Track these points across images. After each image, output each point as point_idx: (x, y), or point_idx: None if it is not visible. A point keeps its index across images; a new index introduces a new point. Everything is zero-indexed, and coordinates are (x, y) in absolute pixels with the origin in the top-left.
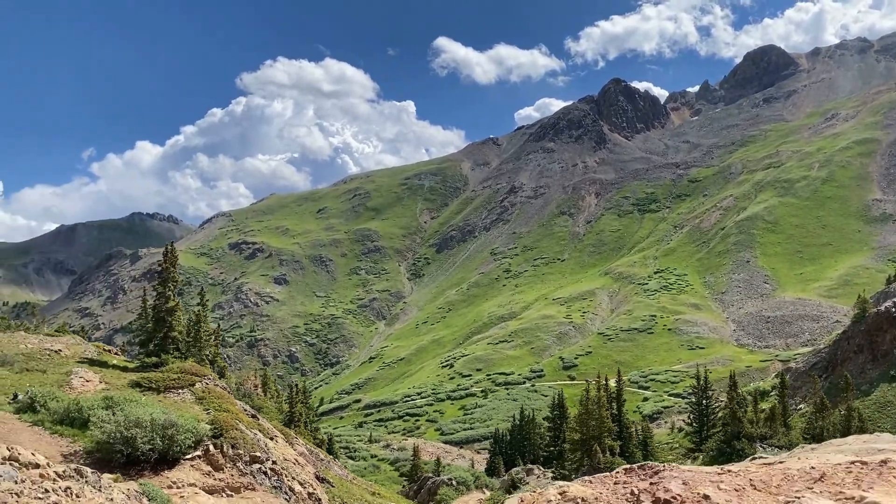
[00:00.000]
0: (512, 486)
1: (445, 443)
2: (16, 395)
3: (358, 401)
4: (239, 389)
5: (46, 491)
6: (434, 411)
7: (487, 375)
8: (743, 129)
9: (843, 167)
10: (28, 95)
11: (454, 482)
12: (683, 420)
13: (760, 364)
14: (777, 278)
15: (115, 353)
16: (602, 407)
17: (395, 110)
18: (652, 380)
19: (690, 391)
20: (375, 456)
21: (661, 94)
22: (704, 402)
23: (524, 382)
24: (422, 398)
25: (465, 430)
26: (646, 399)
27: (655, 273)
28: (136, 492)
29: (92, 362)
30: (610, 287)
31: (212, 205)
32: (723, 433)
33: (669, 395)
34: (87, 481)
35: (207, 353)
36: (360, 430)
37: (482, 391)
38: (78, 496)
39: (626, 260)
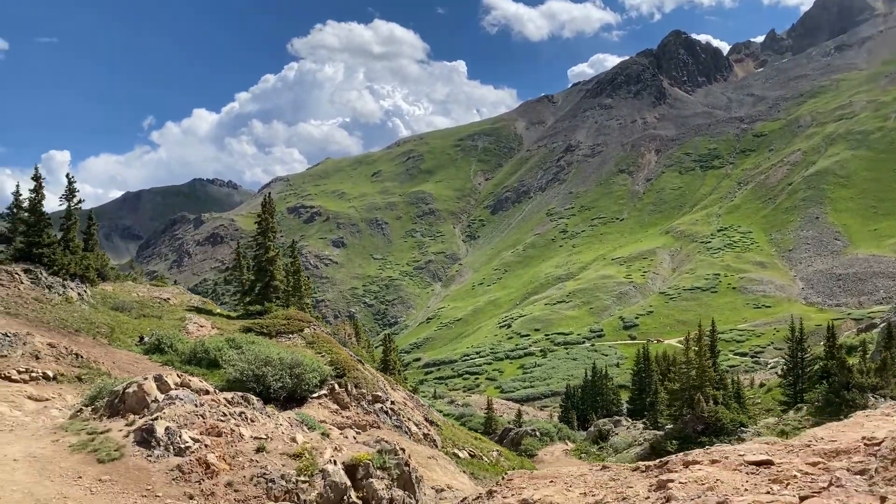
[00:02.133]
0: (599, 437)
1: (507, 400)
2: (142, 338)
3: (418, 359)
4: (335, 336)
5: (224, 415)
6: (493, 370)
7: (546, 335)
8: (812, 79)
9: None
10: (89, 68)
11: (537, 433)
12: (755, 377)
13: (831, 323)
14: (849, 235)
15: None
16: (703, 356)
17: (445, 71)
18: (717, 339)
19: (758, 350)
20: (441, 412)
21: (723, 46)
22: (800, 353)
23: (583, 342)
24: (480, 357)
25: (524, 388)
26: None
27: (719, 231)
28: (296, 420)
29: (199, 310)
30: (671, 246)
31: (267, 170)
32: (829, 384)
33: (735, 355)
34: (254, 408)
35: (307, 301)
36: (422, 388)
37: (541, 351)
38: (252, 420)
39: (688, 218)
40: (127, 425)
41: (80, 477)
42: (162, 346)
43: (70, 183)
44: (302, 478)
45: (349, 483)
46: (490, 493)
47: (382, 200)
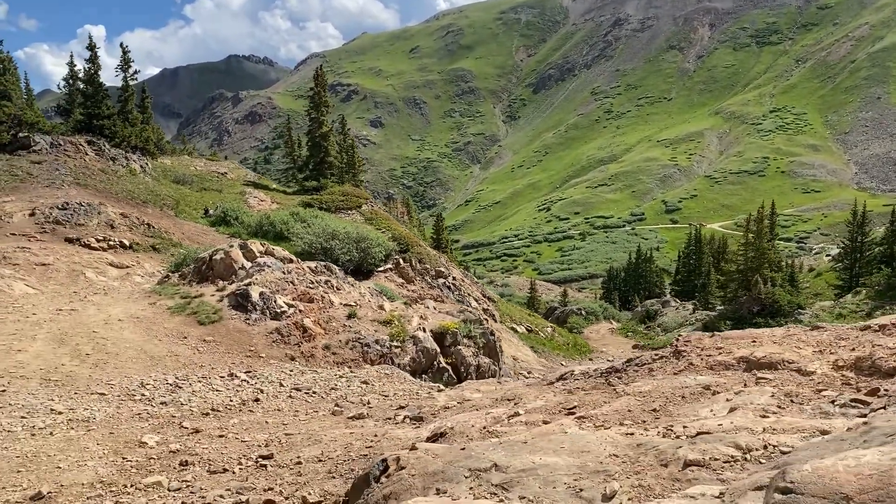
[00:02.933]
0: (647, 317)
1: (545, 281)
2: (206, 210)
3: (456, 241)
4: (390, 214)
5: (312, 283)
6: (531, 252)
7: (585, 219)
8: None
9: None
10: None
11: (583, 312)
12: (802, 262)
13: (883, 209)
14: None
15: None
16: (763, 237)
17: None
18: (776, 222)
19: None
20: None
21: None
22: (860, 237)
23: (624, 226)
24: (519, 240)
25: (562, 270)
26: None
27: (771, 112)
28: (375, 290)
29: (255, 185)
30: (720, 127)
31: (302, 46)
32: (893, 267)
33: (780, 240)
34: (337, 277)
35: (361, 178)
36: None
37: (580, 234)
38: (338, 289)
39: (740, 98)
40: (218, 290)
41: (186, 337)
42: (227, 219)
43: (125, 53)
44: (395, 343)
45: (438, 349)
46: (677, 354)
47: (420, 78)
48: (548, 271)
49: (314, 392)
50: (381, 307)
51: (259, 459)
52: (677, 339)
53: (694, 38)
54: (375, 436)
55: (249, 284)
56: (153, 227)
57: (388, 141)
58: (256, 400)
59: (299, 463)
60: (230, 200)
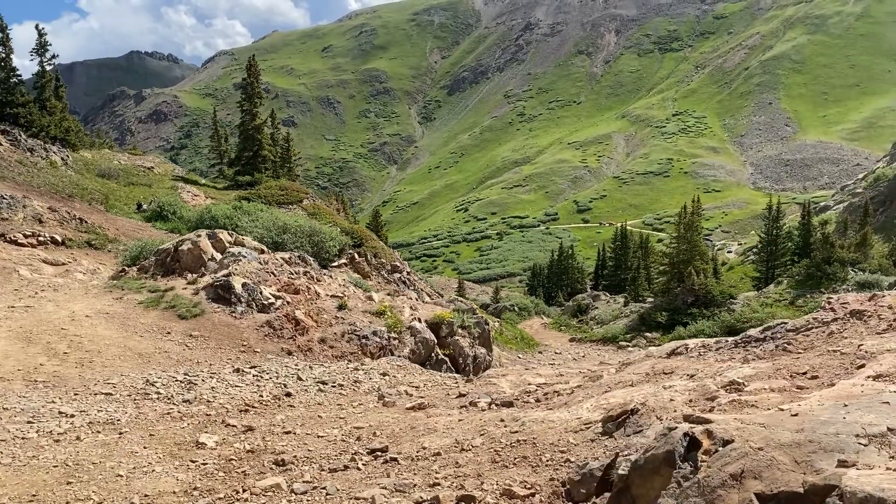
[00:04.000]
0: (578, 311)
1: (466, 281)
2: (140, 205)
3: None
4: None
5: (293, 273)
6: (450, 252)
7: (502, 219)
8: None
9: (879, 2)
10: None
11: (516, 307)
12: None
13: (807, 202)
14: (799, 121)
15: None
16: (695, 231)
17: None
18: (667, 222)
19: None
20: None
21: None
22: (775, 230)
23: (539, 225)
24: (438, 240)
25: (481, 269)
26: (660, 240)
27: (674, 115)
28: (349, 282)
29: (186, 180)
30: (626, 130)
31: (209, 44)
32: (811, 258)
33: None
34: (313, 267)
35: (297, 173)
36: None
37: (497, 234)
38: (318, 280)
39: (644, 102)
40: (189, 283)
41: (169, 332)
42: (164, 213)
43: (41, 36)
44: (393, 334)
45: (436, 340)
46: (857, 314)
47: (334, 78)
48: (467, 271)
49: (341, 385)
50: (370, 298)
51: (377, 454)
52: (829, 302)
53: (601, 43)
54: (502, 420)
55: (230, 275)
56: (86, 223)
57: (302, 141)
58: (288, 395)
59: (437, 454)
60: (163, 195)
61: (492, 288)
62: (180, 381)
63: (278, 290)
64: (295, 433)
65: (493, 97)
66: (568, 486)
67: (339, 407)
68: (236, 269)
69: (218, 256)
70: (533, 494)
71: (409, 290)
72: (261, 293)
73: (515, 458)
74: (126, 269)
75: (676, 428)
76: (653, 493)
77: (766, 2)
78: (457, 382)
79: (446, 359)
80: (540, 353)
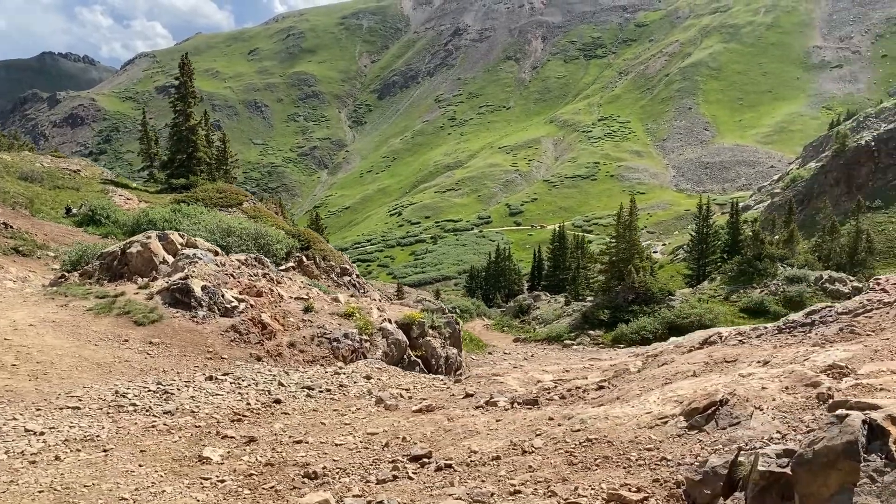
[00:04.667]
0: (520, 311)
1: (402, 285)
2: (69, 209)
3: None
4: None
5: (253, 275)
6: (385, 257)
7: (436, 223)
8: None
9: (787, 12)
10: None
11: (458, 310)
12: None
13: (735, 202)
14: (717, 125)
15: None
16: (633, 230)
17: None
18: (595, 224)
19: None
20: None
21: None
22: (706, 229)
23: (472, 229)
24: (372, 245)
25: (416, 273)
26: (590, 242)
27: (599, 120)
28: (308, 284)
29: (116, 183)
30: (555, 135)
31: (127, 45)
32: (742, 255)
33: (612, 238)
34: (270, 269)
35: (235, 175)
36: None
37: (431, 238)
38: (279, 282)
39: (571, 107)
40: (141, 288)
41: (126, 340)
42: (97, 217)
43: None
44: (364, 336)
45: (407, 341)
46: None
47: (261, 81)
48: (402, 275)
49: (328, 390)
50: (336, 300)
51: (423, 461)
52: (877, 283)
53: (528, 49)
54: (550, 419)
55: (188, 278)
56: (11, 228)
57: (229, 145)
58: (277, 401)
59: (496, 458)
60: (94, 199)
61: (427, 292)
62: (154, 392)
63: (240, 293)
64: (307, 442)
65: (424, 101)
66: (685, 487)
67: (338, 413)
68: (193, 272)
69: (170, 259)
70: (647, 498)
71: (360, 293)
72: (222, 296)
73: (596, 459)
74: (66, 274)
75: (850, 415)
76: (827, 492)
77: (683, 11)
78: (445, 383)
79: (419, 360)
80: (489, 353)
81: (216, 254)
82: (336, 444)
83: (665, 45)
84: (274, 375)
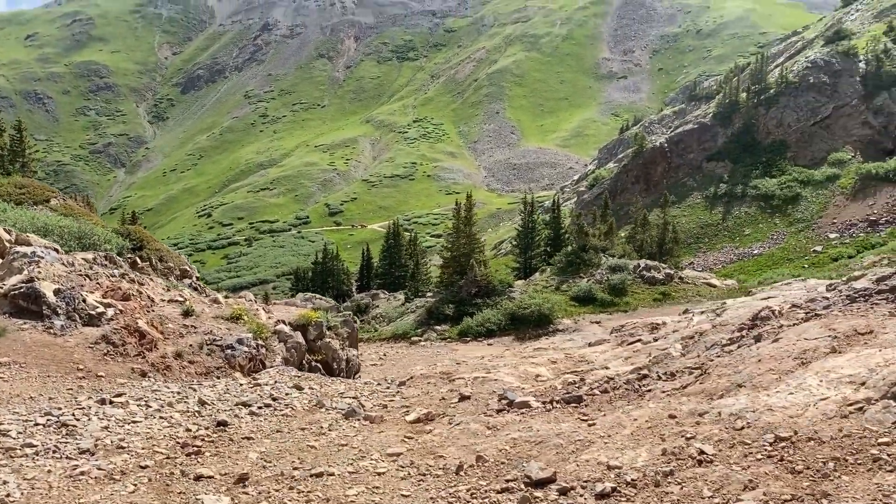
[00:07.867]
0: (359, 311)
1: (216, 290)
2: None
3: None
4: None
5: (112, 276)
6: (195, 261)
7: (250, 224)
8: None
9: (579, 26)
10: None
11: None
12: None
13: (508, 206)
14: (522, 129)
15: None
16: (471, 225)
17: None
18: (415, 222)
19: (450, 232)
20: None
21: None
22: (531, 223)
23: (290, 229)
24: (179, 248)
25: (231, 277)
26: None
27: (414, 122)
28: (170, 285)
29: None
30: (372, 135)
31: None
32: (570, 247)
33: (431, 236)
34: (124, 269)
35: (34, 170)
36: None
37: (245, 240)
38: (141, 283)
39: (387, 108)
40: None
41: None
42: None
43: None
44: (259, 341)
45: (305, 345)
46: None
47: (42, 70)
48: (215, 280)
49: (268, 405)
50: (216, 301)
51: (550, 486)
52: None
53: (342, 48)
54: (672, 417)
55: (33, 280)
56: None
57: None
58: (222, 424)
59: (669, 473)
60: None
61: (252, 294)
62: (45, 426)
63: (103, 297)
64: (334, 474)
65: (232, 97)
66: None
67: (313, 433)
68: (39, 273)
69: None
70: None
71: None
72: (83, 301)
73: (825, 462)
74: None
75: None
76: None
77: (489, 19)
78: (388, 387)
79: (319, 365)
80: None
81: (56, 251)
82: (377, 473)
83: (473, 52)
84: (181, 394)
